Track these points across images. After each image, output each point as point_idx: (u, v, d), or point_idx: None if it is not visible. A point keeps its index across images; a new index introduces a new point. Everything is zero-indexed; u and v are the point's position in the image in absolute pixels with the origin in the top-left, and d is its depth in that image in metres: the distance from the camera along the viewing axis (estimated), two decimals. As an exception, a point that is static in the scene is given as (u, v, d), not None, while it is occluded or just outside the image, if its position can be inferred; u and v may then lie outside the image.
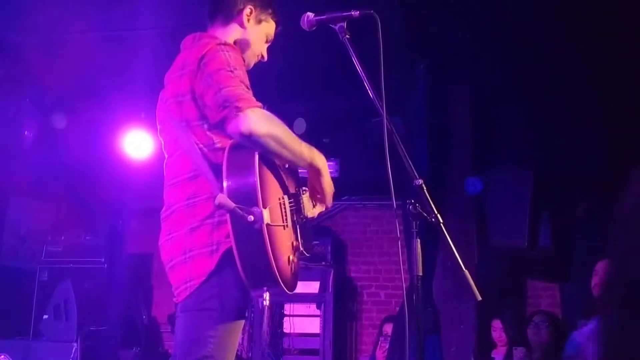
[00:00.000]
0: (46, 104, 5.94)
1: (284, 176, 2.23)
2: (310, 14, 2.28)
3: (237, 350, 6.36)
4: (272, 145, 2.04)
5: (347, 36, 2.20)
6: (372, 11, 2.15)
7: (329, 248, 6.39)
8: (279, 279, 2.00)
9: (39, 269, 6.13)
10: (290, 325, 6.19)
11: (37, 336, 5.81)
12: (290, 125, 2.41)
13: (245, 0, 2.37)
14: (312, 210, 2.40)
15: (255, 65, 2.46)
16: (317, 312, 6.19)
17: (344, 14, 2.21)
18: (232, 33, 2.35)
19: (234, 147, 2.05)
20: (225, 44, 2.17)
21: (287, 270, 2.10)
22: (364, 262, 7.15)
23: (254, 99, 2.08)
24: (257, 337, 5.99)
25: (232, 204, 1.95)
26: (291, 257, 2.13)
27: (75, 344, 5.54)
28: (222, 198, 1.96)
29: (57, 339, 5.67)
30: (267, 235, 1.95)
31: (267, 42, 2.44)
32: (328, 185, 2.27)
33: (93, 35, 4.84)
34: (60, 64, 5.13)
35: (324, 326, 6.09)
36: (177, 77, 2.19)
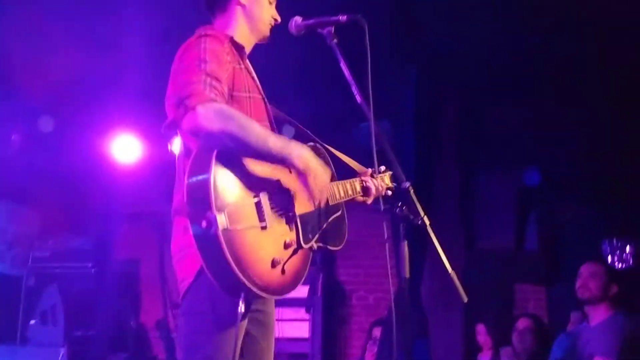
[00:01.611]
0: (34, 107, 5.92)
1: (278, 171, 2.07)
2: (298, 18, 2.28)
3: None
4: (227, 141, 1.88)
5: (334, 41, 2.21)
6: (359, 16, 2.16)
7: (319, 252, 6.40)
8: (250, 286, 1.85)
9: (26, 274, 6.10)
10: (279, 330, 6.19)
11: (24, 341, 5.78)
12: (279, 129, 2.40)
13: None
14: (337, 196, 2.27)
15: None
16: (306, 316, 6.18)
17: (332, 18, 2.21)
18: (235, 16, 2.26)
19: (201, 148, 1.93)
20: (205, 35, 2.09)
21: (270, 273, 1.94)
22: (354, 265, 7.16)
23: (210, 93, 1.92)
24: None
25: (186, 210, 1.87)
26: (278, 258, 1.95)
27: (62, 349, 5.51)
28: (179, 203, 1.91)
29: (44, 344, 5.64)
30: (223, 241, 1.79)
31: (271, 2, 2.32)
32: (311, 183, 2.01)
33: (81, 39, 4.83)
34: (48, 67, 5.11)
35: (313, 330, 6.09)
36: (169, 80, 2.16)
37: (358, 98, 2.18)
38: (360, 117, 2.25)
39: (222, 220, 1.81)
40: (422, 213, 2.04)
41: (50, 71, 5.14)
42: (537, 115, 5.40)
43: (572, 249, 5.71)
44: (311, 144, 2.30)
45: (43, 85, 5.43)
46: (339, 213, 2.32)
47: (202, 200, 1.82)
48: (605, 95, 5.01)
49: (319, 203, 2.08)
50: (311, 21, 2.26)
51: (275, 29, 2.38)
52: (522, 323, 5.25)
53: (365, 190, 2.46)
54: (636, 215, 5.23)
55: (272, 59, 2.49)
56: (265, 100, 2.26)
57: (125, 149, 6.00)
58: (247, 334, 2.11)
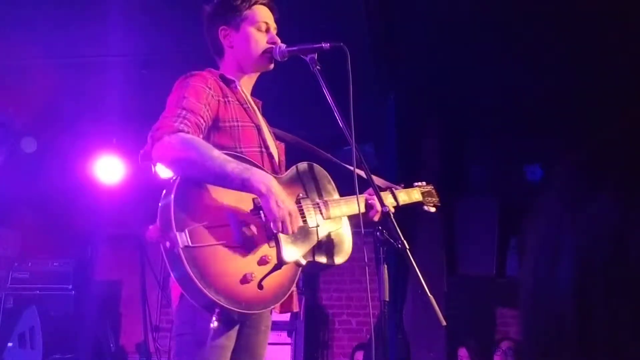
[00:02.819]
0: (15, 128, 5.90)
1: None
2: (282, 45, 2.33)
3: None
4: (186, 169, 1.98)
5: (317, 67, 2.26)
6: (342, 44, 2.21)
7: (307, 272, 6.38)
8: (218, 301, 1.89)
9: (4, 295, 6.01)
10: (261, 354, 6.15)
11: (0, 365, 5.68)
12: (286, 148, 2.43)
13: (215, 26, 2.38)
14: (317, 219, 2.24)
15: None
16: (288, 340, 6.15)
17: (315, 46, 2.26)
18: (229, 58, 2.38)
19: (175, 177, 2.02)
20: (190, 75, 2.21)
21: (243, 289, 1.97)
22: (336, 289, 7.16)
23: (179, 125, 2.02)
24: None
25: (156, 234, 1.94)
26: (250, 274, 1.99)
27: (40, 373, 5.43)
28: (150, 230, 1.98)
29: (22, 368, 5.55)
30: (184, 258, 1.87)
31: (262, 30, 2.35)
32: (273, 207, 1.98)
33: (63, 61, 4.85)
34: (30, 89, 5.11)
35: (294, 354, 6.05)
36: None
37: (340, 123, 2.21)
38: (343, 141, 2.28)
39: (182, 238, 1.89)
40: (401, 237, 2.07)
41: (32, 92, 5.13)
42: (517, 143, 5.49)
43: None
44: (305, 163, 2.36)
45: (25, 106, 5.42)
46: (339, 228, 2.32)
47: (166, 222, 1.92)
48: (584, 124, 5.10)
49: (287, 226, 2.00)
50: (295, 48, 2.31)
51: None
52: (506, 344, 5.35)
53: (369, 207, 2.44)
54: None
55: (256, 84, 2.52)
56: (259, 127, 2.30)
57: (108, 169, 5.99)
58: (235, 358, 2.14)
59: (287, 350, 6.12)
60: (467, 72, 4.84)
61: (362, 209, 2.40)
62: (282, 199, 2.01)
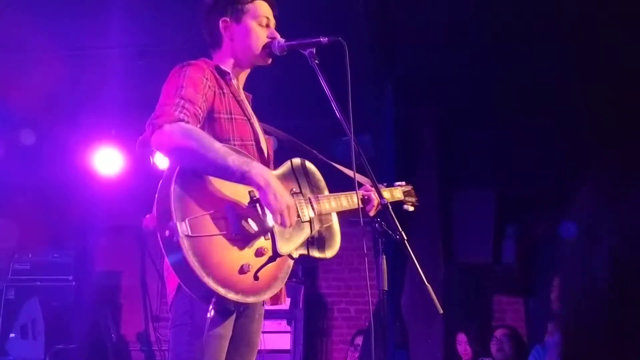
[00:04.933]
0: (14, 120, 5.91)
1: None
2: (281, 40, 2.36)
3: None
4: (186, 159, 2.01)
5: (316, 61, 2.28)
6: (339, 38, 2.24)
7: (300, 264, 6.43)
8: (218, 288, 1.92)
9: (5, 286, 6.05)
10: (261, 342, 6.19)
11: (3, 355, 5.73)
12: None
13: (215, 18, 2.39)
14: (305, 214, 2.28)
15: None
16: (288, 328, 6.20)
17: (313, 40, 2.29)
18: (227, 50, 2.39)
19: (171, 165, 2.05)
20: (187, 64, 2.21)
21: (239, 278, 2.00)
22: (335, 278, 7.21)
23: (179, 114, 2.04)
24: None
25: (152, 223, 1.97)
26: (247, 264, 2.02)
27: (42, 363, 5.48)
28: (146, 219, 2.01)
29: (24, 358, 5.59)
30: (184, 247, 1.89)
31: (262, 24, 2.37)
32: (271, 200, 2.02)
33: (62, 52, 4.86)
34: (28, 80, 5.12)
35: (294, 342, 6.10)
36: None
37: (338, 114, 2.24)
38: (341, 132, 2.31)
39: (183, 228, 1.91)
40: (399, 228, 2.11)
41: (31, 84, 5.15)
42: (514, 133, 5.52)
43: (547, 262, 5.83)
44: (298, 159, 2.40)
45: (24, 97, 5.43)
46: (329, 223, 2.39)
47: (165, 211, 1.94)
48: (581, 116, 5.14)
49: (285, 219, 2.04)
50: (294, 42, 2.33)
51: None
52: (500, 332, 5.39)
53: (365, 202, 2.50)
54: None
55: (255, 76, 2.54)
56: (252, 121, 2.34)
57: (107, 161, 6.01)
58: (232, 346, 2.18)
59: (286, 338, 6.17)
60: (464, 62, 4.85)
61: (360, 204, 2.43)
62: (281, 193, 2.04)
